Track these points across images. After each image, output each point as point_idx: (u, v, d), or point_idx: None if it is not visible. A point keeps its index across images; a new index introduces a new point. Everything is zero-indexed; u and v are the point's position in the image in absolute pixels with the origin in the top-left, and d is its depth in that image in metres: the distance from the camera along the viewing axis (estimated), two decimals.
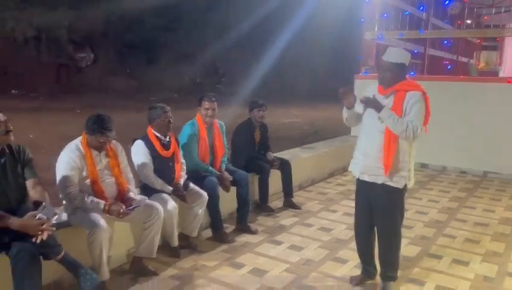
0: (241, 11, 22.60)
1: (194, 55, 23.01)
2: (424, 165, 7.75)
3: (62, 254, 2.72)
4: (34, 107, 14.95)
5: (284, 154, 6.07)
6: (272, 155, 5.29)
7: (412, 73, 9.78)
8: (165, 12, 22.18)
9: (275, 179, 5.33)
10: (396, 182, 3.07)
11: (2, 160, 2.72)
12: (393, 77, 3.02)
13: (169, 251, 3.80)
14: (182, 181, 3.91)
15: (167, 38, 23.48)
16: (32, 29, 18.69)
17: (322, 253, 4.00)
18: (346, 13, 15.59)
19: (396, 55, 3.02)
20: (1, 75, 17.73)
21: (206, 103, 4.26)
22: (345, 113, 3.24)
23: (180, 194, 3.83)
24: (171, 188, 3.78)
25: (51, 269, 2.83)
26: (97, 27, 21.09)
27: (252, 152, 5.07)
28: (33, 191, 2.82)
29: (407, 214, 3.96)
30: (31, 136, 9.78)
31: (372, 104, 3.05)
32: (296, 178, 5.76)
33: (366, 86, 3.31)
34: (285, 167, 5.35)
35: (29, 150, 2.91)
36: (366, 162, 3.14)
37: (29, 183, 2.83)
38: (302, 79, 24.65)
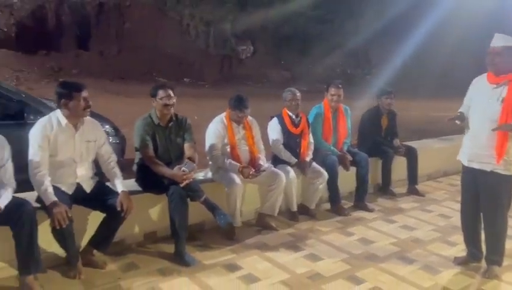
0: (402, 4, 21.89)
1: (346, 46, 23.19)
2: None
3: (203, 197, 3.57)
4: (201, 93, 17.14)
5: (414, 144, 6.15)
6: (398, 142, 5.50)
7: None
8: (322, 4, 22.80)
9: (401, 165, 5.53)
10: (506, 170, 3.14)
11: (170, 125, 3.67)
12: (503, 62, 3.05)
13: (289, 215, 4.43)
14: (307, 159, 4.49)
15: (321, 30, 24.09)
16: (203, 25, 21.26)
17: (433, 235, 4.17)
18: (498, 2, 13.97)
19: (505, 39, 3.05)
20: (177, 65, 20.56)
21: (333, 89, 4.75)
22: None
23: (303, 167, 4.41)
24: (296, 160, 4.38)
25: (196, 213, 3.68)
26: (258, 21, 22.81)
27: (378, 137, 5.37)
28: (188, 152, 3.71)
29: None
30: (196, 117, 11.44)
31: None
32: (425, 167, 5.84)
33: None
34: (411, 154, 5.50)
35: (190, 120, 3.83)
36: (475, 150, 3.25)
37: (186, 145, 3.74)
38: (457, 72, 22.76)
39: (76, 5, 18.71)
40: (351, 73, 24.13)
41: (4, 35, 15.78)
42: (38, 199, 3.02)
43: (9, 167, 2.87)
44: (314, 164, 4.48)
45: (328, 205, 4.79)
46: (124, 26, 20.21)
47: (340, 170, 4.72)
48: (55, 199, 2.91)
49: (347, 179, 4.87)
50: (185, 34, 21.20)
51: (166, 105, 3.54)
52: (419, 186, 5.57)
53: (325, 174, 4.46)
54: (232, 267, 3.36)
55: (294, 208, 4.41)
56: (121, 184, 3.26)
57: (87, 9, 19.10)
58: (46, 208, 2.92)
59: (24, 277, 2.85)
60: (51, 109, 4.70)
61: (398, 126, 5.65)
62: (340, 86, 4.77)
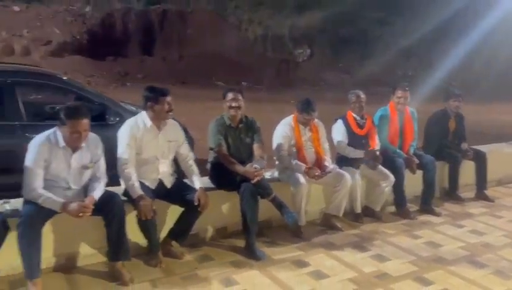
0: (461, 5, 21.05)
1: (407, 48, 22.63)
2: None
3: (273, 195, 3.73)
4: (258, 97, 17.40)
5: (483, 148, 5.98)
6: (466, 146, 5.37)
7: None
8: (384, 5, 22.41)
9: (468, 170, 5.41)
10: None
11: (240, 126, 3.87)
12: None
13: (354, 216, 4.49)
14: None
15: (383, 32, 23.66)
16: (261, 29, 21.61)
17: (504, 240, 4.08)
18: None
19: None
20: (235, 70, 21.02)
21: (400, 91, 4.75)
22: None
23: (373, 155, 4.41)
24: (363, 151, 4.42)
25: (264, 210, 3.84)
26: (316, 24, 22.82)
27: (445, 141, 5.28)
28: (257, 152, 3.90)
29: None
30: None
31: None
32: (494, 172, 5.67)
33: None
34: (480, 159, 5.37)
35: (258, 122, 4.02)
36: None
37: (255, 145, 3.93)
38: None
39: (141, 13, 19.71)
40: (412, 75, 23.47)
41: (77, 42, 16.94)
42: (125, 193, 3.31)
43: (102, 162, 3.18)
44: (380, 166, 4.51)
45: (393, 208, 4.80)
46: (186, 32, 20.98)
47: (406, 172, 4.70)
48: (142, 192, 3.19)
49: (413, 182, 4.84)
50: (243, 38, 21.64)
51: (231, 107, 3.75)
52: (488, 192, 5.41)
53: (392, 177, 4.48)
54: (300, 264, 3.50)
55: (359, 210, 4.47)
56: (198, 181, 3.50)
57: (151, 16, 20.06)
58: (133, 201, 3.21)
59: (114, 263, 3.15)
60: (128, 111, 5.11)
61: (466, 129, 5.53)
62: (407, 88, 4.77)
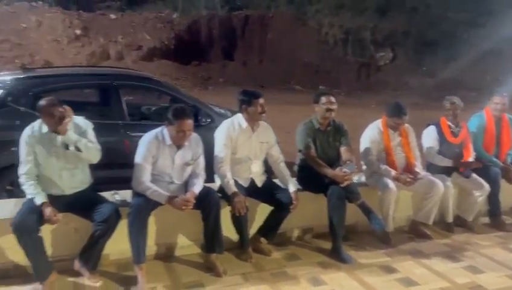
0: None
1: (498, 52, 21.09)
2: None
3: (361, 200, 3.73)
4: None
5: None
6: None
7: None
8: (472, 6, 21.14)
9: None
10: None
11: (328, 129, 3.93)
12: None
13: (444, 226, 4.35)
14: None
15: (470, 34, 22.30)
16: (342, 32, 21.35)
17: None
18: None
19: None
20: (313, 74, 20.98)
21: (497, 98, 4.54)
22: None
23: (466, 165, 4.26)
24: (451, 161, 4.27)
25: (349, 214, 3.83)
26: (399, 26, 22.08)
27: None
28: (345, 155, 3.92)
29: None
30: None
31: None
32: None
33: None
34: None
35: (346, 125, 4.04)
36: None
37: (343, 149, 3.95)
38: None
39: (225, 19, 20.41)
40: (502, 80, 21.83)
41: (165, 47, 17.96)
42: (220, 190, 3.52)
43: (202, 160, 3.41)
44: (474, 175, 4.32)
45: (486, 219, 4.57)
46: (266, 37, 21.35)
47: (502, 182, 4.45)
48: (236, 189, 3.38)
49: (509, 193, 4.57)
50: (323, 42, 21.52)
51: (328, 110, 3.81)
52: None
53: (486, 187, 4.27)
54: (388, 269, 3.48)
55: (450, 219, 4.32)
56: (292, 183, 3.64)
57: (234, 22, 20.70)
58: (228, 198, 3.40)
59: (208, 255, 3.37)
60: (217, 113, 5.37)
61: None
62: (505, 94, 4.53)
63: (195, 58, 19.23)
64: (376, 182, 4.08)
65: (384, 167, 4.06)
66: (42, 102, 2.94)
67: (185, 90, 7.11)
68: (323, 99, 3.86)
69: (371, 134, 4.18)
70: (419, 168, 4.16)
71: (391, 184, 3.96)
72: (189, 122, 3.15)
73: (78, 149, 3.01)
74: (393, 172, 4.01)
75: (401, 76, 21.25)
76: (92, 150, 3.09)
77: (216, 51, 20.40)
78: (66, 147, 3.01)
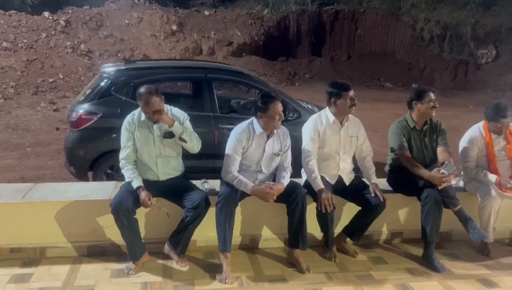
0: None
1: None
2: None
3: (459, 206, 3.46)
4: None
5: None
6: None
7: None
8: None
9: None
10: None
11: (425, 128, 3.69)
12: None
13: None
14: None
15: None
16: (439, 28, 20.03)
17: None
18: None
19: None
20: (406, 71, 19.98)
21: None
22: None
23: None
24: None
25: (444, 220, 3.54)
26: (505, 21, 20.22)
27: None
28: (442, 156, 3.65)
29: None
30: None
31: None
32: None
33: None
34: None
35: (444, 124, 3.77)
36: None
37: (440, 149, 3.69)
38: None
39: (314, 14, 20.10)
40: None
41: (254, 43, 18.18)
42: (306, 185, 3.47)
43: (289, 154, 3.39)
44: None
45: None
46: (355, 33, 20.74)
47: None
48: (323, 186, 3.30)
49: None
50: (417, 38, 20.36)
51: (433, 107, 3.57)
52: None
53: None
54: (487, 283, 3.20)
55: None
56: (374, 176, 3.52)
57: (323, 17, 20.33)
58: (314, 194, 3.34)
59: (292, 250, 3.34)
60: (304, 109, 5.32)
61: None
62: None
63: (283, 54, 19.25)
64: (476, 188, 3.76)
65: (484, 172, 3.72)
66: (141, 90, 3.09)
67: (274, 86, 7.16)
68: (429, 95, 3.60)
69: (471, 137, 3.83)
70: None
71: (493, 191, 3.62)
72: (280, 105, 3.15)
73: (182, 140, 3.15)
74: (495, 178, 3.66)
75: (504, 76, 19.50)
76: (195, 140, 3.21)
77: (304, 46, 20.24)
78: (167, 135, 3.15)
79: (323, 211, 3.26)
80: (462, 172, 3.97)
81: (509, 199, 3.78)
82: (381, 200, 3.36)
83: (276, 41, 19.22)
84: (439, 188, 3.36)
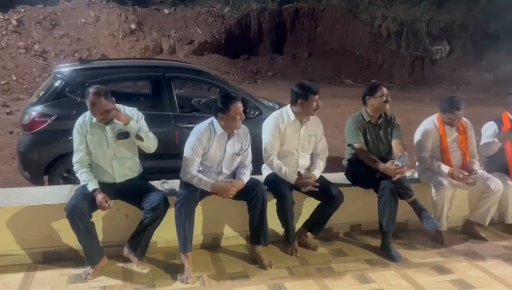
0: None
1: None
2: None
3: (413, 197, 3.57)
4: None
5: None
6: None
7: None
8: None
9: None
10: None
11: (379, 122, 3.79)
12: None
13: (503, 227, 4.09)
14: None
15: None
16: (395, 25, 20.62)
17: None
18: None
19: None
20: (365, 67, 20.45)
21: None
22: None
23: None
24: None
25: (400, 211, 3.64)
26: (457, 18, 21.02)
27: None
28: (396, 148, 3.76)
29: None
30: None
31: None
32: None
33: None
34: None
35: (397, 118, 3.88)
36: None
37: (395, 141, 3.80)
38: None
39: (275, 12, 20.24)
40: None
41: (216, 42, 18.11)
42: (266, 182, 3.49)
43: (250, 152, 3.40)
44: None
45: None
46: (315, 30, 21.02)
47: None
48: (296, 175, 3.40)
49: None
50: (375, 35, 20.89)
51: (386, 101, 3.67)
52: None
53: None
54: (441, 270, 3.32)
55: (510, 220, 4.04)
56: (317, 172, 3.55)
57: (284, 15, 20.51)
58: (274, 190, 3.38)
59: (254, 246, 3.36)
60: (266, 106, 5.35)
61: None
62: None
63: (245, 52, 19.28)
64: (430, 179, 3.90)
65: (437, 163, 3.87)
66: (89, 90, 2.99)
67: (234, 84, 7.15)
68: (382, 90, 3.71)
69: (426, 129, 3.98)
70: (477, 165, 3.92)
71: (446, 181, 3.76)
72: (240, 105, 3.15)
73: (139, 137, 3.09)
74: (448, 168, 3.81)
75: (457, 70, 20.32)
76: (152, 139, 3.17)
77: (265, 44, 20.36)
78: (121, 136, 3.08)
79: (307, 190, 3.43)
80: (417, 163, 4.11)
81: (461, 188, 3.95)
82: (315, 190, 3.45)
83: (237, 39, 19.21)
84: (394, 179, 3.47)
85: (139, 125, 3.10)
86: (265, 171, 3.63)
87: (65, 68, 5.02)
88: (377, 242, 3.66)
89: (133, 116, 3.17)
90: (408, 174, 4.17)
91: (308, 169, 3.63)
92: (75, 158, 3.13)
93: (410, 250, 3.65)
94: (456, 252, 3.65)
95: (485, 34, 21.43)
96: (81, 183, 3.09)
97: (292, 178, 3.40)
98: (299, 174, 3.49)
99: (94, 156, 3.13)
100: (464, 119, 3.97)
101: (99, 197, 2.99)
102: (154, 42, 16.54)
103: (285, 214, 3.38)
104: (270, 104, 5.75)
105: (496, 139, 3.97)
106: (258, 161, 3.57)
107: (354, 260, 3.45)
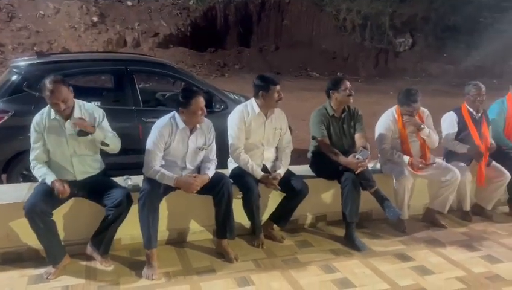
0: None
1: None
2: None
3: (375, 188, 3.65)
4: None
5: None
6: None
7: None
8: None
9: None
10: None
11: (343, 115, 3.85)
12: None
13: (461, 214, 4.25)
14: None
15: (495, 19, 21.60)
16: (360, 18, 20.94)
17: None
18: None
19: None
20: (331, 60, 20.69)
21: None
22: None
23: (478, 154, 4.11)
24: (467, 147, 4.14)
25: (363, 201, 3.74)
26: (419, 11, 21.54)
27: None
28: (359, 141, 3.84)
29: None
30: None
31: None
32: None
33: None
34: None
35: (361, 111, 3.95)
36: None
37: (357, 135, 3.87)
38: None
39: (241, 5, 20.18)
40: None
41: (181, 34, 17.89)
42: (232, 175, 3.49)
43: (214, 146, 3.38)
44: (494, 162, 4.20)
45: (506, 208, 4.45)
46: (282, 23, 21.10)
47: None
48: (262, 172, 3.47)
49: None
50: (340, 28, 21.16)
51: (349, 95, 3.72)
52: None
53: (507, 174, 4.15)
54: (403, 258, 3.42)
55: (467, 208, 4.21)
56: (283, 168, 3.59)
57: (250, 8, 20.47)
58: (240, 184, 3.40)
59: (220, 240, 3.35)
60: (231, 100, 5.33)
61: None
62: None
63: (211, 45, 19.13)
64: (391, 170, 4.00)
65: (398, 154, 3.97)
66: (45, 80, 2.87)
67: (199, 77, 7.09)
68: (345, 84, 3.75)
69: (385, 121, 4.07)
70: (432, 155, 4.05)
71: (406, 171, 3.87)
72: (202, 100, 3.12)
73: (105, 144, 3.03)
74: (407, 159, 3.92)
75: (420, 63, 20.83)
76: (116, 142, 3.11)
77: (232, 37, 20.28)
78: (81, 133, 2.97)
79: (276, 189, 3.49)
80: (379, 154, 4.20)
81: (421, 178, 4.07)
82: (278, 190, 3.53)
83: (204, 32, 19.03)
84: (356, 172, 3.53)
85: (104, 132, 3.03)
86: (231, 164, 3.63)
87: (22, 62, 4.83)
88: (341, 232, 3.73)
89: (93, 114, 3.08)
90: (371, 165, 4.27)
91: (273, 162, 3.65)
92: (32, 156, 3.03)
93: (373, 239, 3.74)
94: (417, 239, 3.76)
95: (446, 27, 22.07)
96: (39, 180, 3.00)
97: (258, 174, 3.42)
98: (266, 170, 3.51)
99: (53, 154, 3.03)
100: (422, 108, 4.08)
101: (57, 184, 2.89)
102: (118, 35, 16.17)
103: (251, 207, 3.39)
104: (236, 97, 5.73)
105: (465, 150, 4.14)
106: (223, 155, 3.56)
107: (319, 250, 3.50)
